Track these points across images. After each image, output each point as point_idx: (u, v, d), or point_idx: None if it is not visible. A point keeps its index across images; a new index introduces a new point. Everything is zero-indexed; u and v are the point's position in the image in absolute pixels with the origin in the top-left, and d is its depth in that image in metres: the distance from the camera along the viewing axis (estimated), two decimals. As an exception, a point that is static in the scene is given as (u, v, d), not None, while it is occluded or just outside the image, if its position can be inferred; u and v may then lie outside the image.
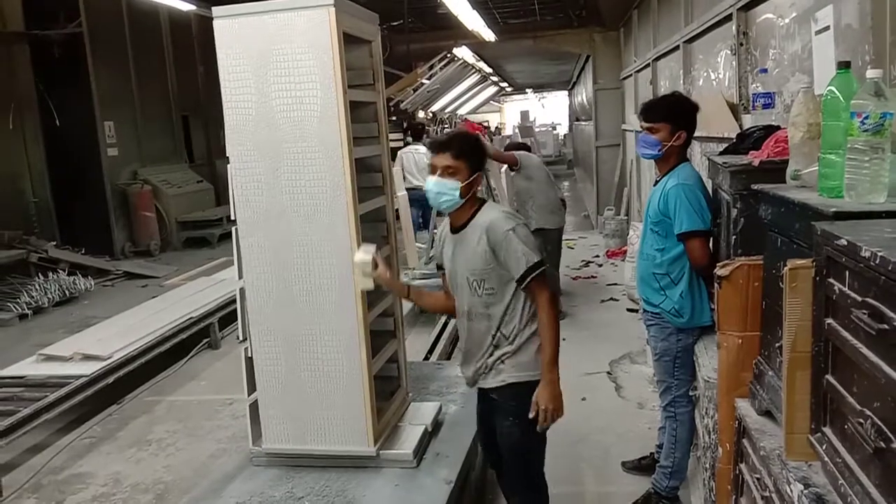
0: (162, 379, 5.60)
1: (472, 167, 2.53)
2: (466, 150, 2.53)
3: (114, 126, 11.26)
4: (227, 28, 2.60)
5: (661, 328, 3.20)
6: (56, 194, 10.78)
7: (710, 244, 3.05)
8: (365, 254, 2.60)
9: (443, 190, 2.50)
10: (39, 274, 8.58)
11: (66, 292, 8.40)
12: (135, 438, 4.60)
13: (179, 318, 6.08)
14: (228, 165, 2.72)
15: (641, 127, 3.19)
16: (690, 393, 3.16)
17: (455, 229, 2.61)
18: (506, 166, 6.69)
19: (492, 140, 8.84)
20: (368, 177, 3.10)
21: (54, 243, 9.73)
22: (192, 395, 5.35)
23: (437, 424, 3.15)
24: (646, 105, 3.28)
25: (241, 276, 2.79)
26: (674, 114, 3.13)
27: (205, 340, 6.32)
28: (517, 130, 24.97)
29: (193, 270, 9.59)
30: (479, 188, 2.63)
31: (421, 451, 2.91)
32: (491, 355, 2.57)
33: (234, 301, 6.65)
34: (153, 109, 12.39)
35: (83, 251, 9.89)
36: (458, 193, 2.49)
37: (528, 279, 2.45)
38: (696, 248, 3.01)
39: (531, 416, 2.49)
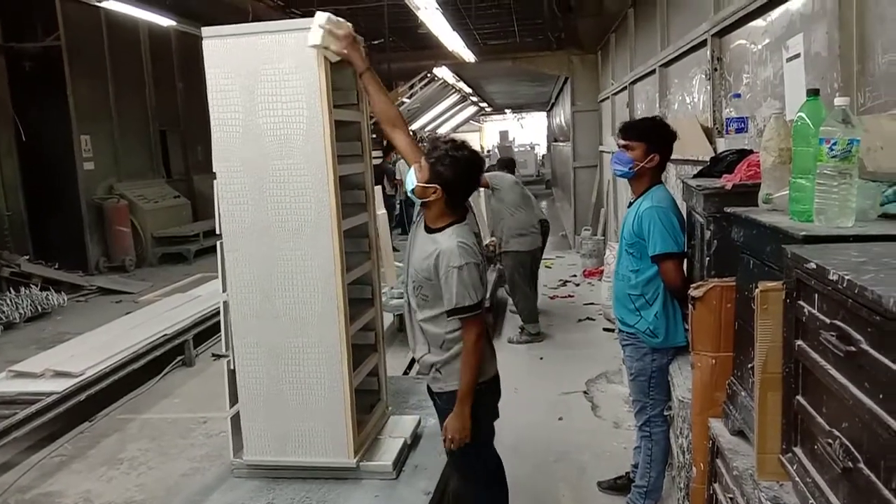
0: (135, 396, 5.52)
1: (434, 175, 2.57)
2: (435, 157, 2.59)
3: (90, 140, 11.17)
4: (216, 47, 2.67)
5: (636, 348, 3.23)
6: (30, 208, 10.63)
7: (685, 266, 3.10)
8: (322, 13, 2.57)
9: (408, 181, 2.67)
10: (11, 289, 8.45)
11: (39, 307, 8.27)
12: (106, 457, 4.52)
13: (154, 335, 6.01)
14: (214, 181, 2.74)
15: (618, 145, 3.25)
16: (665, 413, 3.18)
17: (426, 227, 2.69)
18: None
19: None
20: (352, 194, 3.15)
21: (27, 257, 9.59)
22: (166, 413, 5.27)
23: (416, 437, 3.20)
24: (625, 123, 3.34)
25: (224, 290, 2.82)
26: (651, 135, 3.18)
27: (179, 358, 6.25)
28: (496, 150, 25.15)
29: (169, 287, 9.48)
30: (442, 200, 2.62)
31: (400, 462, 2.96)
32: (427, 354, 2.72)
33: (209, 318, 6.66)
34: (131, 124, 12.32)
35: (56, 266, 9.76)
36: (411, 187, 2.65)
37: (458, 317, 2.57)
38: (670, 270, 3.05)
39: (442, 437, 2.67)
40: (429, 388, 2.84)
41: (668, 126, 3.29)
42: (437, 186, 2.56)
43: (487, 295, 2.68)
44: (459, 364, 2.62)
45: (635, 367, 3.26)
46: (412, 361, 5.84)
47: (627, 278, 3.22)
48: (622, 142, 3.20)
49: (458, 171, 2.57)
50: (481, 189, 6.88)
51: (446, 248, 2.54)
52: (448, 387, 2.67)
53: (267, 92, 2.63)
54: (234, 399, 2.90)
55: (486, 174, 6.63)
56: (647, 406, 3.26)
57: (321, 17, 2.56)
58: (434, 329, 2.66)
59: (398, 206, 13.65)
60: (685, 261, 3.10)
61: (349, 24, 2.67)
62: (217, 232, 2.79)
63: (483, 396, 2.68)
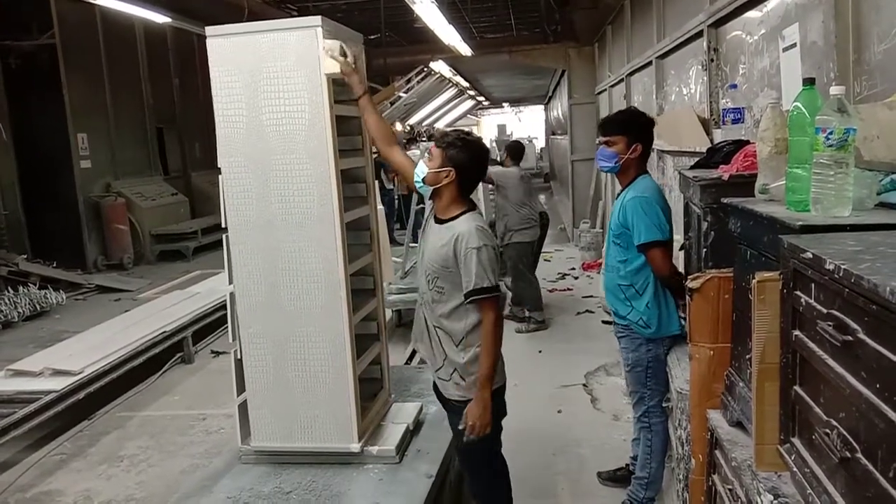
0: (134, 394, 5.52)
1: (447, 159, 2.61)
2: (446, 142, 2.64)
3: (87, 138, 11.13)
4: (220, 46, 2.73)
5: (631, 339, 3.25)
6: (27, 206, 10.61)
7: (686, 258, 3.10)
8: (333, 41, 2.67)
9: (417, 171, 2.68)
10: (9, 288, 8.42)
11: (37, 306, 8.24)
12: (106, 455, 4.53)
13: (152, 333, 6.00)
14: (220, 176, 2.81)
15: (599, 141, 3.27)
16: (664, 404, 3.18)
17: (437, 220, 2.71)
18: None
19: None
20: (353, 187, 3.20)
21: (25, 256, 9.57)
22: (165, 410, 5.28)
23: (418, 423, 3.27)
24: (603, 120, 3.40)
25: (231, 282, 2.89)
26: (629, 127, 3.21)
27: (178, 355, 6.25)
28: (494, 144, 25.12)
29: (167, 284, 9.49)
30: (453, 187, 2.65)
31: (403, 447, 3.03)
32: (445, 358, 2.67)
33: (208, 315, 6.65)
34: (127, 121, 12.27)
35: (55, 264, 9.74)
36: (422, 176, 2.65)
37: (472, 298, 2.55)
38: (656, 258, 3.06)
39: (460, 427, 2.62)
40: (444, 399, 2.79)
41: (645, 114, 3.34)
42: (451, 169, 2.60)
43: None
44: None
45: (631, 357, 3.27)
46: (413, 352, 5.87)
47: (616, 269, 3.25)
48: (603, 138, 3.24)
49: (470, 154, 2.64)
50: (480, 185, 6.97)
51: (465, 231, 2.56)
52: (469, 395, 2.64)
53: (270, 89, 2.70)
54: (241, 388, 2.97)
55: (490, 170, 6.66)
56: (644, 396, 3.27)
57: (333, 45, 2.65)
58: (453, 325, 2.63)
59: (396, 201, 13.63)
60: (672, 247, 3.12)
61: (349, 49, 2.74)
62: (223, 226, 2.86)
63: (500, 401, 2.70)
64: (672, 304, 3.15)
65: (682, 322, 3.25)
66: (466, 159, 2.62)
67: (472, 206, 2.69)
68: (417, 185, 2.72)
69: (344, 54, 2.67)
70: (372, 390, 3.27)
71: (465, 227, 2.57)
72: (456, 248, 2.56)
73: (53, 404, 4.65)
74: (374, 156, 3.35)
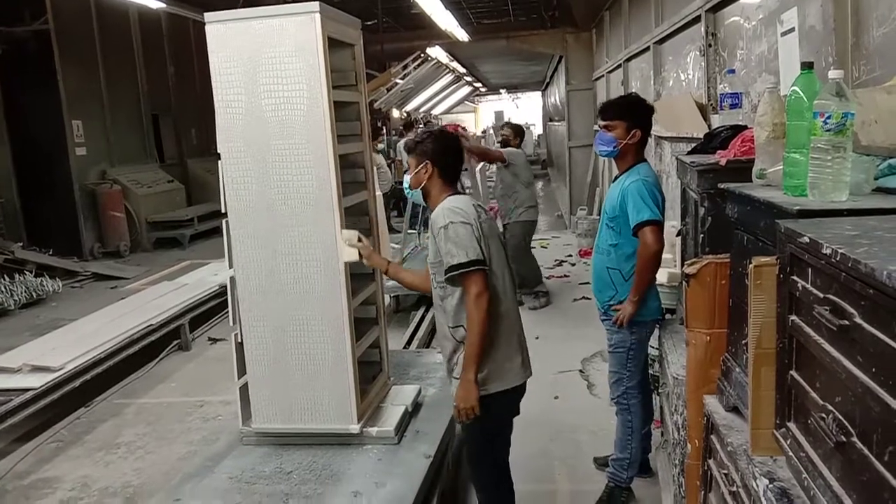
0: (131, 381, 5.51)
1: (420, 155, 2.68)
2: (414, 143, 2.73)
3: (82, 125, 11.06)
4: (219, 32, 2.74)
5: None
6: (23, 194, 10.57)
7: (681, 246, 3.12)
8: (350, 231, 2.80)
9: (404, 184, 2.80)
10: (5, 275, 8.39)
11: (34, 294, 8.23)
12: (103, 442, 4.53)
13: (139, 325, 5.83)
14: (219, 161, 2.83)
15: (599, 126, 3.28)
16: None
17: None
18: (481, 164, 7.00)
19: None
20: (352, 172, 3.22)
21: (21, 244, 9.55)
22: (163, 397, 5.28)
23: (416, 405, 3.32)
24: (603, 104, 3.40)
25: (231, 266, 2.92)
26: (629, 113, 3.23)
27: (175, 342, 6.24)
28: (492, 132, 25.08)
29: (164, 271, 9.47)
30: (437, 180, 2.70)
31: (402, 428, 3.08)
32: (455, 354, 2.64)
33: (203, 302, 6.64)
34: (122, 108, 12.20)
35: (51, 252, 9.71)
36: (408, 184, 2.75)
37: (448, 275, 2.53)
38: (649, 234, 3.06)
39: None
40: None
41: (645, 101, 3.35)
42: (426, 162, 2.65)
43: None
44: (488, 362, 2.58)
45: (615, 338, 3.32)
46: (412, 336, 5.89)
47: (607, 252, 3.28)
48: (603, 122, 3.26)
49: (439, 143, 2.70)
50: (478, 166, 7.13)
51: (434, 216, 2.60)
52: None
53: (268, 74, 2.71)
54: (241, 370, 3.01)
55: (503, 150, 6.83)
56: (623, 378, 3.33)
57: (350, 234, 2.78)
58: (463, 317, 2.57)
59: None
60: (663, 231, 3.15)
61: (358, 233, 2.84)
62: (223, 210, 2.87)
63: (497, 408, 2.64)
64: (655, 290, 3.20)
65: (663, 307, 3.34)
66: (437, 148, 2.68)
67: (454, 194, 2.71)
68: (409, 195, 2.78)
69: (360, 240, 2.80)
70: (371, 373, 3.32)
71: (435, 212, 2.61)
72: (432, 233, 2.59)
73: (30, 403, 4.45)
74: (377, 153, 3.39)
